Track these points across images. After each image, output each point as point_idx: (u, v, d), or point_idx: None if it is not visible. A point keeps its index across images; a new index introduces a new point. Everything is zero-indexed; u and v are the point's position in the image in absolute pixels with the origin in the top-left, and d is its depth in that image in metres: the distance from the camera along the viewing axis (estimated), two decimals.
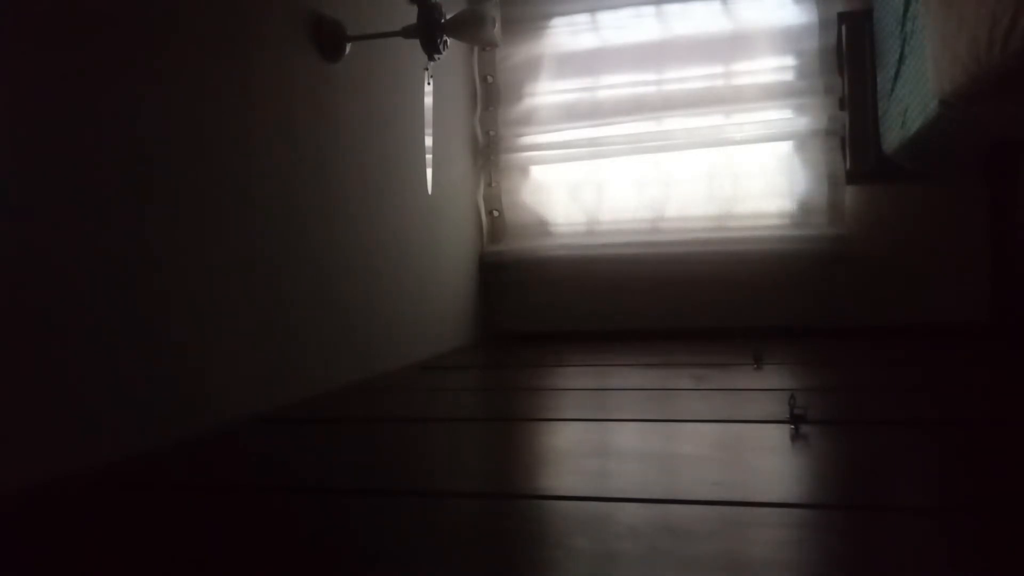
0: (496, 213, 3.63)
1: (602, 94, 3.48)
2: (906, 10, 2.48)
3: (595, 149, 3.44)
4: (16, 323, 1.17)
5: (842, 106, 3.17)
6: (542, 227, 3.58)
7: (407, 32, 2.17)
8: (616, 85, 3.47)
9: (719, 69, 3.36)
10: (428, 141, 2.41)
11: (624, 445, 1.48)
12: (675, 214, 3.38)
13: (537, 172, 3.61)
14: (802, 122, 3.23)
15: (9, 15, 1.17)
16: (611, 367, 2.65)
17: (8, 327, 1.15)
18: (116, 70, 1.38)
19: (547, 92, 3.57)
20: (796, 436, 1.36)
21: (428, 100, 2.34)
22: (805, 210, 3.25)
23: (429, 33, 2.14)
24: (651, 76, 3.43)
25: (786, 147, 3.28)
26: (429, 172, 2.45)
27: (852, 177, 3.19)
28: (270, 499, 1.15)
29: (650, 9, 3.42)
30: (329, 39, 2.09)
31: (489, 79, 3.60)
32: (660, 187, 3.39)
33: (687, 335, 3.23)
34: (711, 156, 3.34)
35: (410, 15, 2.15)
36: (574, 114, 3.50)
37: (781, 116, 3.27)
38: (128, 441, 1.34)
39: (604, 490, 1.15)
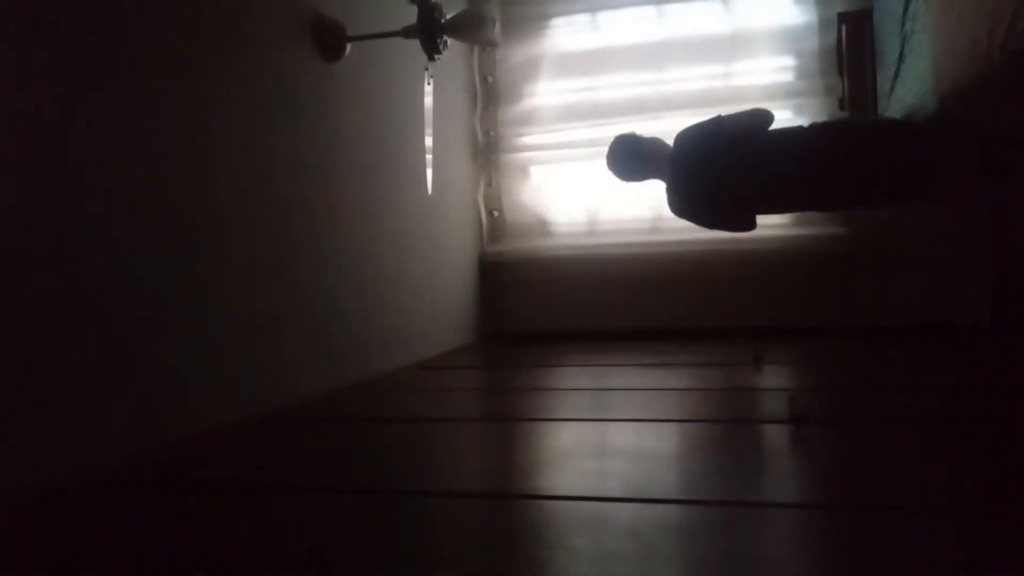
0: (496, 213, 3.62)
1: (602, 94, 3.48)
2: (906, 10, 2.48)
3: (595, 149, 3.43)
4: (13, 323, 1.17)
5: (842, 106, 3.17)
6: (542, 227, 3.57)
7: (407, 32, 2.17)
8: (616, 85, 3.47)
9: (719, 69, 3.36)
10: (428, 141, 2.41)
11: (624, 445, 1.48)
12: None
13: (537, 172, 3.61)
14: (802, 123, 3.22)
15: (6, 12, 1.17)
16: (611, 367, 2.65)
17: (5, 328, 1.15)
18: (116, 69, 1.38)
19: (547, 92, 3.57)
20: (796, 436, 1.35)
21: (428, 100, 2.34)
22: None
23: (429, 33, 2.14)
24: (651, 76, 3.43)
25: None
26: (429, 172, 2.45)
27: None
28: (270, 499, 1.15)
29: (650, 9, 3.42)
30: (329, 39, 2.09)
31: (489, 79, 3.60)
32: (660, 187, 3.38)
33: (687, 335, 3.23)
34: None
35: (410, 15, 2.15)
36: (574, 114, 3.49)
37: (781, 116, 3.26)
38: (128, 441, 1.34)
39: (604, 490, 1.15)
